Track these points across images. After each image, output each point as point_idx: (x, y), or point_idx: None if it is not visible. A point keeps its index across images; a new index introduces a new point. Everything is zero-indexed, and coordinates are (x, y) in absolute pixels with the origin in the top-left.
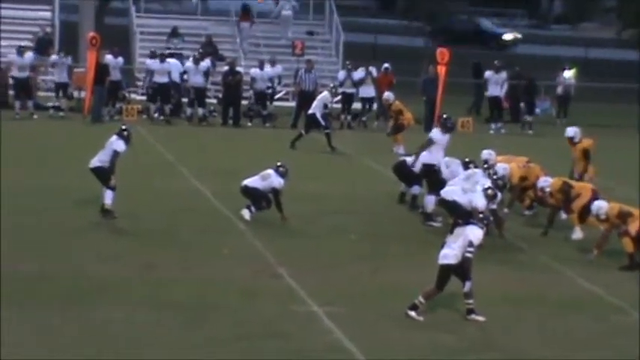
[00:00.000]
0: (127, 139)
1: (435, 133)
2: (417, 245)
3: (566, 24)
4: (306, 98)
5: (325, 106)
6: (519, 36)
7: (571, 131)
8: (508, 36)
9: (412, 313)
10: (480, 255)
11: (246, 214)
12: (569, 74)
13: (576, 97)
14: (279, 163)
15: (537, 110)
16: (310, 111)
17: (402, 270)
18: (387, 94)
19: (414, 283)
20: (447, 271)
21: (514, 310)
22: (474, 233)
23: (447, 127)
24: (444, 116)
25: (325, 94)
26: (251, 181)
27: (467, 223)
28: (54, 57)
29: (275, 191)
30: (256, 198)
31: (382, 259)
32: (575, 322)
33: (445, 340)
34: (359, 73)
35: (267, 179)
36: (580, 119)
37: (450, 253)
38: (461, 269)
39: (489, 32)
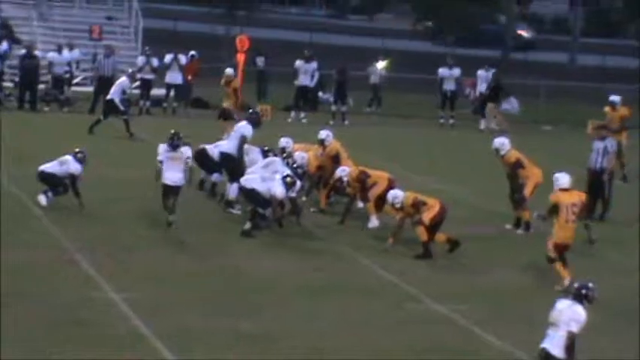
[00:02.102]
0: None
1: (246, 129)
2: (216, 232)
3: (363, 14)
4: (104, 83)
5: (124, 91)
6: None
7: (323, 133)
8: None
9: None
10: (278, 243)
11: (42, 199)
12: (382, 65)
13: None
14: (77, 149)
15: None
16: (109, 96)
17: (200, 256)
18: (229, 70)
19: (211, 269)
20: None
21: (312, 298)
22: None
23: (255, 123)
24: (251, 111)
25: (124, 79)
26: (48, 167)
27: None
28: None
29: (72, 177)
30: (53, 184)
31: (180, 245)
32: (371, 310)
33: (245, 327)
34: (166, 59)
35: (64, 165)
36: (385, 110)
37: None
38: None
39: None
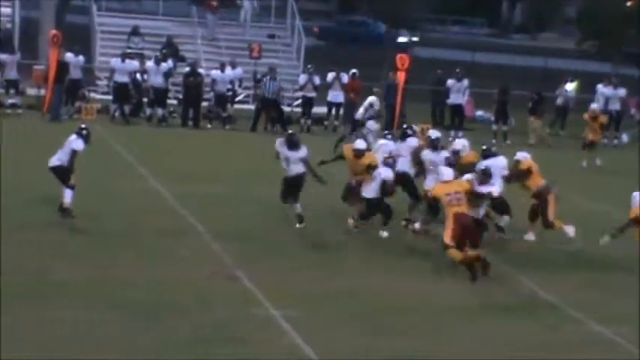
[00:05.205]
0: (86, 139)
1: (427, 154)
2: (374, 251)
3: (525, 34)
4: (266, 103)
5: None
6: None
7: (459, 143)
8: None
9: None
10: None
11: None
12: (571, 87)
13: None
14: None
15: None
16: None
17: (360, 274)
18: (594, 105)
19: (372, 288)
20: None
21: (469, 318)
22: None
23: (434, 145)
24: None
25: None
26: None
27: None
28: (2, 55)
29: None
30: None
31: (340, 263)
32: (531, 331)
33: (401, 345)
34: (328, 78)
35: None
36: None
37: None
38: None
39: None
